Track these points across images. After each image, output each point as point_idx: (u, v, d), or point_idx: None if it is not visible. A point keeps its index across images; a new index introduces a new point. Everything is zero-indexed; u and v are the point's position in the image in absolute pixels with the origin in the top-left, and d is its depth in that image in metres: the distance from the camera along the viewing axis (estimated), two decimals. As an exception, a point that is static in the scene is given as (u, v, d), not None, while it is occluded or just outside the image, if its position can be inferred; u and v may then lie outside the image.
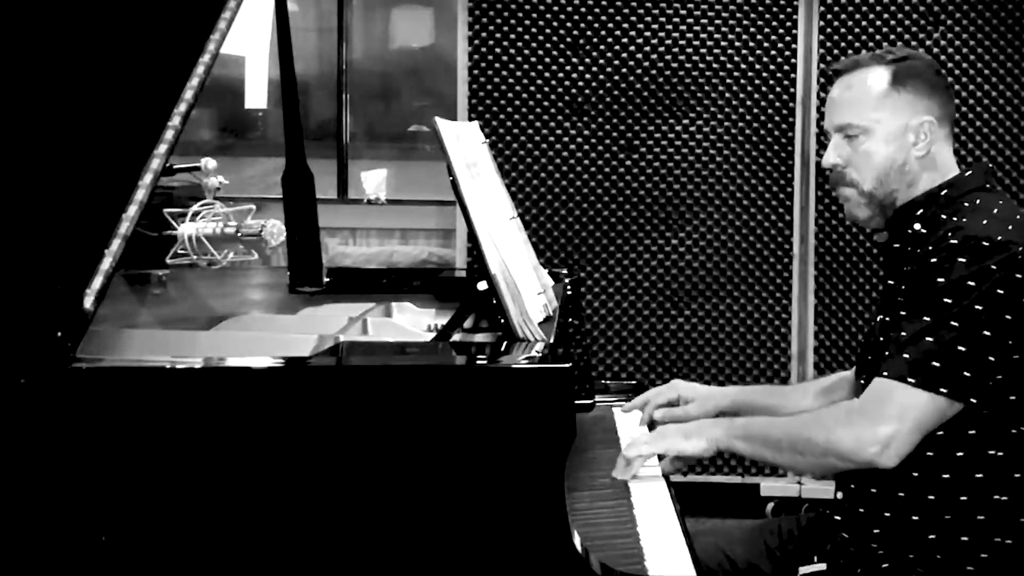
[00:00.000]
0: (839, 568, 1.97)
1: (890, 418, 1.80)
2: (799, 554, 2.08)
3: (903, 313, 1.88)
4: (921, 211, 1.97)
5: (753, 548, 2.13)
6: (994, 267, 1.79)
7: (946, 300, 1.80)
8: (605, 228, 4.17)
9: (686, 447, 1.92)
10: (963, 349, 1.79)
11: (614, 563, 1.60)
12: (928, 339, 1.80)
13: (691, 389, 2.30)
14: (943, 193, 1.97)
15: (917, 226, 1.96)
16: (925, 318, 1.82)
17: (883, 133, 1.97)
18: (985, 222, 1.86)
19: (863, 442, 1.80)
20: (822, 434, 1.85)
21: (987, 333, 1.79)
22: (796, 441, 1.87)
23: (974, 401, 1.80)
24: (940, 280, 1.82)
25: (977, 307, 1.79)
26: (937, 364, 1.79)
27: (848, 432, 1.82)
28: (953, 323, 1.79)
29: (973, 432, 1.84)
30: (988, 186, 1.98)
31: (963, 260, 1.81)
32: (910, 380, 1.79)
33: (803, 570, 2.01)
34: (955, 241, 1.83)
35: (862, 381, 2.02)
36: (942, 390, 1.79)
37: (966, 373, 1.79)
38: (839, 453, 1.83)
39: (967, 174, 1.99)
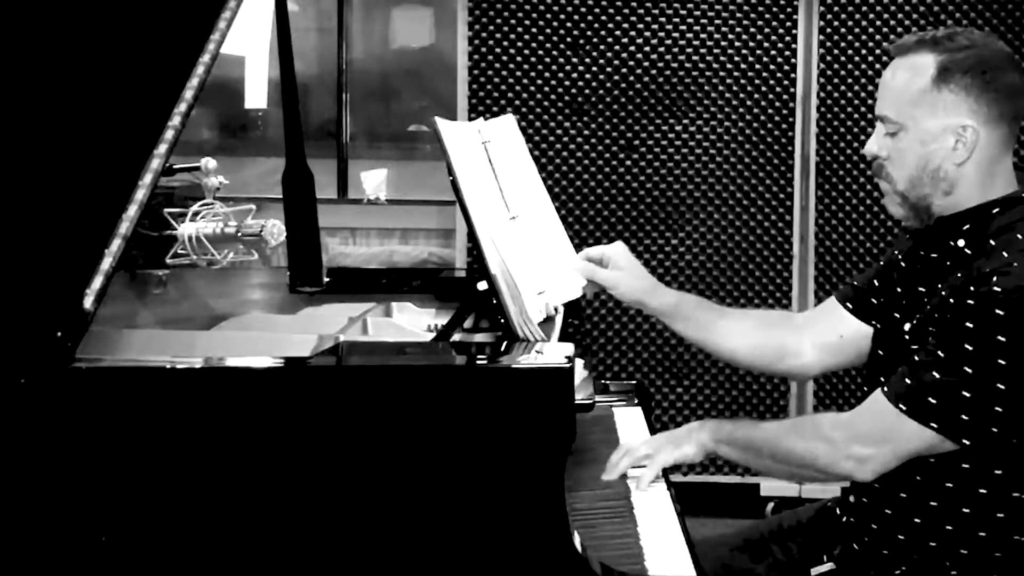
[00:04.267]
0: (849, 570, 1.96)
1: (873, 440, 1.79)
2: (803, 556, 2.07)
3: (928, 336, 1.79)
4: (968, 226, 1.82)
5: (753, 551, 2.12)
6: None
7: (967, 346, 1.71)
8: (605, 228, 4.17)
9: (677, 455, 1.93)
10: (967, 395, 1.71)
11: (614, 563, 1.59)
12: (934, 374, 1.73)
13: (626, 260, 2.13)
14: (994, 211, 1.81)
15: (961, 243, 1.82)
16: (940, 353, 1.73)
17: (919, 133, 1.80)
18: None
19: (837, 458, 1.82)
20: (801, 444, 1.86)
21: (1001, 386, 1.70)
22: (776, 450, 1.88)
23: (967, 442, 1.75)
24: (969, 325, 1.71)
25: (1000, 361, 1.69)
26: (933, 400, 1.74)
27: (826, 446, 1.83)
28: (967, 369, 1.71)
29: (967, 466, 1.79)
30: None
31: (1001, 313, 1.68)
32: (901, 406, 1.76)
33: (815, 571, 2.00)
34: (998, 289, 1.69)
35: (882, 379, 1.91)
36: (932, 424, 1.74)
37: (964, 416, 1.73)
38: (816, 466, 1.85)
39: None
